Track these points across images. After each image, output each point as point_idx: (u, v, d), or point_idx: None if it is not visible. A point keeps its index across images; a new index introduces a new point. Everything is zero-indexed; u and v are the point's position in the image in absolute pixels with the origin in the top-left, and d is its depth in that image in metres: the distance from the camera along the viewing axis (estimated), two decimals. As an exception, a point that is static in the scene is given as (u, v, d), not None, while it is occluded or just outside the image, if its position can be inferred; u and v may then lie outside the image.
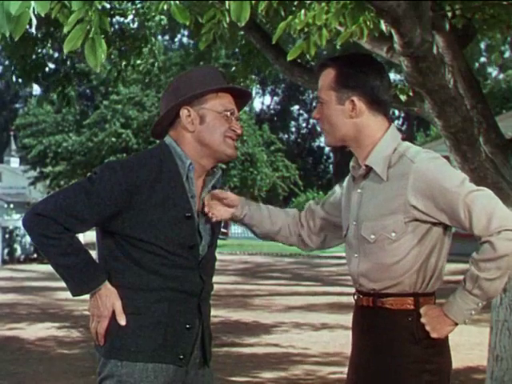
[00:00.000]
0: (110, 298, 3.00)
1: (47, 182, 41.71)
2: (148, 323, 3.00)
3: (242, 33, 7.51)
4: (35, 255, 24.60)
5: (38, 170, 41.79)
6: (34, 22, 3.23)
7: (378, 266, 2.99)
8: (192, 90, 3.09)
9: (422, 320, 2.93)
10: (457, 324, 2.94)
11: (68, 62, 10.53)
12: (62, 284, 3.05)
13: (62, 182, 40.87)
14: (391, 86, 3.20)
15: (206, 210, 3.16)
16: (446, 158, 4.98)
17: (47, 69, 10.26)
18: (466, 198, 2.86)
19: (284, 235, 3.41)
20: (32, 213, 3.00)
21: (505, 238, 2.81)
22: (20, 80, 10.03)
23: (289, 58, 5.22)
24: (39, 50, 9.87)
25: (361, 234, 3.02)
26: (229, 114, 3.12)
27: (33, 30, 9.02)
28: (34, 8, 3.12)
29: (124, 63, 10.18)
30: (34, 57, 9.77)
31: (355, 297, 3.13)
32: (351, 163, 3.18)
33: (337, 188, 3.34)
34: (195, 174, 3.11)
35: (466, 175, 3.00)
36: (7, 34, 3.06)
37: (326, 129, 3.11)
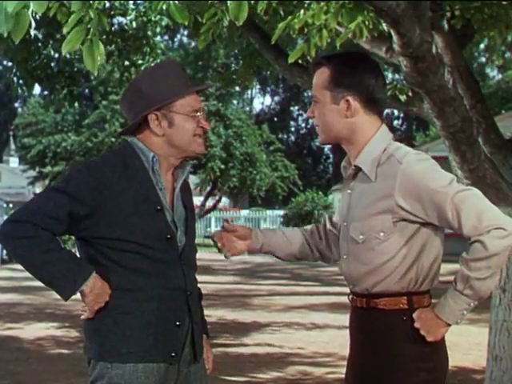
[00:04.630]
0: (105, 284, 2.99)
1: (46, 181, 41.69)
2: (138, 323, 3.00)
3: (242, 34, 7.51)
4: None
5: (37, 169, 41.77)
6: (33, 24, 3.24)
7: (367, 267, 2.99)
8: (157, 92, 3.08)
9: (416, 325, 2.92)
10: (449, 325, 2.93)
11: (71, 63, 10.54)
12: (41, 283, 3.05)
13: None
14: (386, 84, 3.19)
15: (219, 246, 3.26)
16: (445, 158, 5.00)
17: (50, 70, 10.26)
18: (454, 197, 2.85)
19: (306, 253, 3.40)
20: (6, 222, 3.01)
21: (495, 236, 2.80)
22: (21, 81, 10.03)
23: (290, 61, 5.22)
24: (41, 52, 9.88)
25: (350, 235, 3.02)
26: (197, 113, 3.13)
27: (32, 31, 9.06)
28: (29, 7, 3.13)
29: (127, 63, 10.19)
30: (36, 57, 9.78)
31: (350, 298, 3.13)
32: (343, 163, 3.18)
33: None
34: (162, 168, 3.13)
35: (453, 175, 2.97)
36: (5, 34, 3.06)
37: (321, 127, 3.11)
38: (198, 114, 3.14)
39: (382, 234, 2.94)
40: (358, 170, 3.04)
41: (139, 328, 3.00)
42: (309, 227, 3.43)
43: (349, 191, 3.09)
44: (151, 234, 3.02)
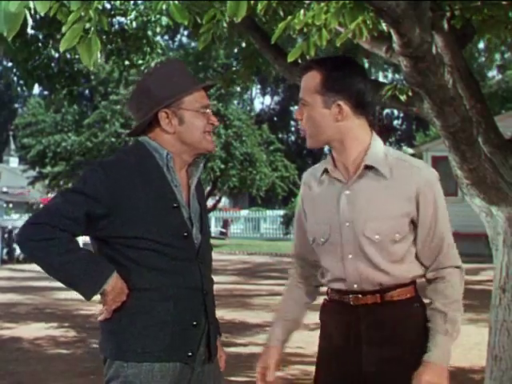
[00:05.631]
0: (123, 284, 2.99)
1: (46, 181, 41.69)
2: (154, 323, 2.99)
3: (242, 34, 7.51)
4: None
5: (36, 169, 41.77)
6: (30, 22, 3.24)
7: (378, 265, 3.05)
8: (165, 90, 3.09)
9: None
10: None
11: (71, 63, 10.55)
12: (61, 284, 3.04)
13: (61, 182, 40.86)
14: (372, 88, 3.26)
15: None
16: (445, 158, 5.01)
17: (50, 70, 10.27)
18: (444, 228, 3.09)
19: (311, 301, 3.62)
20: (25, 225, 3.01)
21: (458, 275, 3.13)
22: (22, 82, 10.04)
23: (289, 60, 5.22)
24: (41, 52, 9.88)
25: (364, 234, 3.04)
26: (206, 109, 3.14)
27: (31, 31, 9.08)
28: (30, 8, 3.13)
29: (127, 63, 10.20)
30: (36, 58, 9.79)
31: (350, 297, 3.14)
32: (327, 167, 3.18)
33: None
34: (176, 166, 3.13)
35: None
36: (5, 34, 3.06)
37: (310, 131, 3.12)
38: (207, 110, 3.15)
39: (397, 235, 3.03)
40: (366, 169, 3.08)
41: (156, 328, 3.00)
42: (294, 290, 3.66)
43: (347, 192, 3.09)
44: (168, 231, 3.03)
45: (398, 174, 3.05)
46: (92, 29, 3.59)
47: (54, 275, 2.99)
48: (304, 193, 3.28)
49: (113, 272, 2.96)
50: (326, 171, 3.19)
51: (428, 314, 3.11)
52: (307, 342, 9.92)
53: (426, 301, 3.20)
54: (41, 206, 27.33)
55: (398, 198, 3.03)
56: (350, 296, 3.14)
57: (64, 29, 3.61)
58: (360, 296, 3.10)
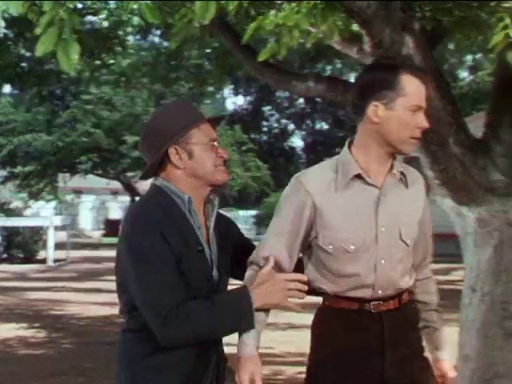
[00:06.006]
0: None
1: (17, 181, 41.40)
2: (168, 360, 3.01)
3: (214, 34, 7.49)
4: (5, 255, 24.46)
5: (7, 169, 41.48)
6: (3, 24, 3.22)
7: (402, 269, 3.17)
8: (173, 126, 3.09)
9: None
10: None
11: (40, 63, 10.50)
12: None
13: (32, 182, 40.63)
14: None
15: None
16: (416, 158, 5.03)
17: (20, 69, 10.21)
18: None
19: None
20: (156, 328, 2.95)
21: None
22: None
23: (259, 59, 5.22)
24: (12, 51, 9.82)
25: (401, 239, 3.13)
26: (214, 143, 3.16)
27: (2, 31, 9.02)
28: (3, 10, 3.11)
29: (98, 63, 10.15)
30: (6, 56, 9.73)
31: (372, 304, 3.13)
32: (359, 172, 3.11)
33: (296, 218, 3.16)
34: (196, 205, 3.12)
35: None
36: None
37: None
38: (215, 143, 3.16)
39: (416, 237, 3.20)
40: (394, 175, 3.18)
41: (170, 364, 3.02)
42: None
43: (382, 198, 3.11)
44: (197, 276, 3.04)
45: (409, 179, 3.19)
46: (67, 30, 3.57)
47: (217, 336, 3.13)
48: (321, 200, 3.10)
49: (246, 288, 3.09)
50: (357, 177, 3.11)
51: (425, 314, 3.35)
52: (278, 341, 9.92)
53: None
54: (11, 205, 27.00)
55: (417, 203, 3.21)
56: (372, 303, 3.13)
57: (38, 31, 3.57)
58: (381, 302, 3.13)
